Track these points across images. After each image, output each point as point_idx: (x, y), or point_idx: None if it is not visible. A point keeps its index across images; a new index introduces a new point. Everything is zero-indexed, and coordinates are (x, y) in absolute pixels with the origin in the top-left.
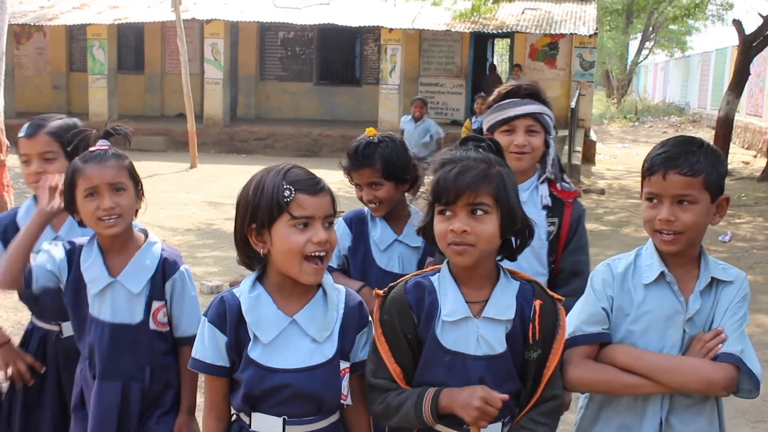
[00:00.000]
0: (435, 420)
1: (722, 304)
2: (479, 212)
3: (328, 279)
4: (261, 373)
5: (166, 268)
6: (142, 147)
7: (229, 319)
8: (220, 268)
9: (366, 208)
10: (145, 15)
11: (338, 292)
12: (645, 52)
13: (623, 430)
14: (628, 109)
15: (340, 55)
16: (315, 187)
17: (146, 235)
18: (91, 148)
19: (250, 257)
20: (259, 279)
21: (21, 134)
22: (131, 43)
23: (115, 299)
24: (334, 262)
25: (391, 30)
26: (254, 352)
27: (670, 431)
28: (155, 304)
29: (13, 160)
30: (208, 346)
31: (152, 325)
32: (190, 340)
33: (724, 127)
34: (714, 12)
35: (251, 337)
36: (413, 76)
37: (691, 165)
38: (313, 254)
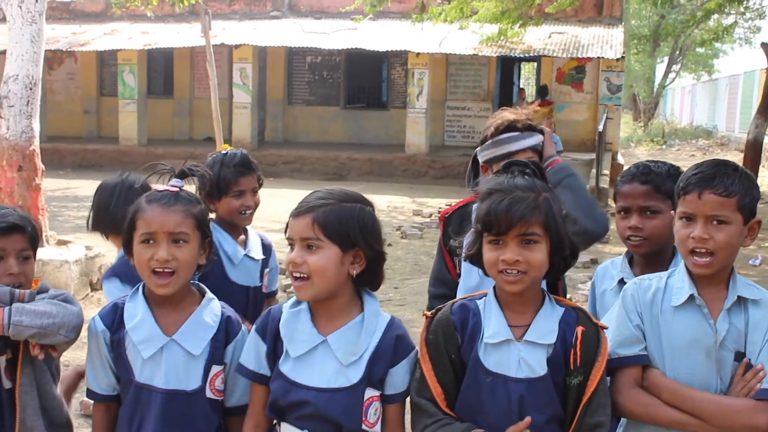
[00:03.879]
0: None
1: (757, 328)
2: (531, 242)
3: (372, 306)
4: (287, 386)
5: (229, 329)
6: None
7: (269, 329)
8: None
9: None
10: (175, 40)
11: (381, 320)
12: (672, 75)
13: None
14: (655, 132)
15: (368, 79)
16: (296, 210)
17: (201, 291)
18: (160, 187)
19: None
20: None
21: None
22: (161, 68)
23: (169, 363)
24: None
25: (418, 54)
26: (285, 366)
27: None
28: (214, 369)
29: (47, 183)
30: (252, 354)
31: (209, 393)
32: (243, 411)
33: (753, 150)
34: (741, 35)
35: (285, 350)
36: (440, 100)
37: (726, 186)
38: (293, 274)
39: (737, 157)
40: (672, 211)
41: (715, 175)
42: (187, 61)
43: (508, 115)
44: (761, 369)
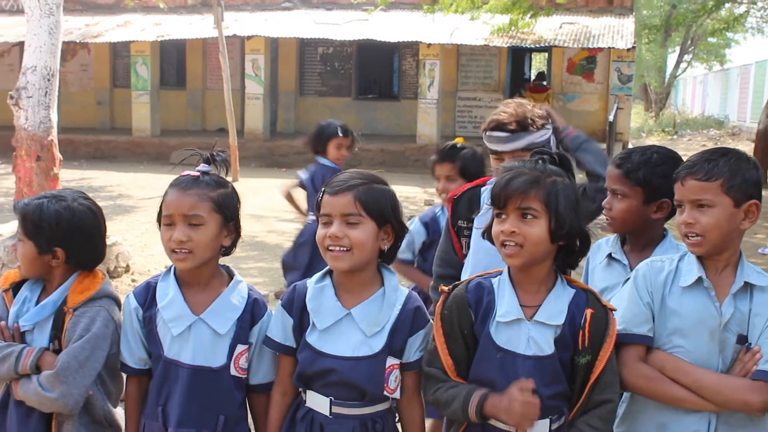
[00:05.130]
0: (481, 421)
1: (759, 313)
2: (529, 216)
3: (392, 280)
4: (313, 356)
5: (255, 310)
6: (184, 161)
7: (296, 304)
8: (265, 278)
9: (437, 207)
10: (187, 32)
11: (399, 293)
12: (683, 65)
13: (663, 427)
14: (666, 123)
15: (379, 70)
16: (335, 187)
17: (230, 274)
18: (185, 172)
19: None
20: (331, 272)
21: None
22: (173, 60)
23: (196, 340)
24: (408, 257)
25: (429, 45)
26: (311, 337)
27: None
28: (239, 348)
29: (62, 174)
30: (279, 327)
31: (233, 371)
32: (267, 389)
33: (764, 139)
34: (754, 24)
35: (311, 323)
36: (451, 91)
37: (706, 171)
38: (329, 247)
39: (748, 147)
40: (646, 199)
41: (697, 162)
42: (200, 53)
43: (500, 114)
44: (758, 351)
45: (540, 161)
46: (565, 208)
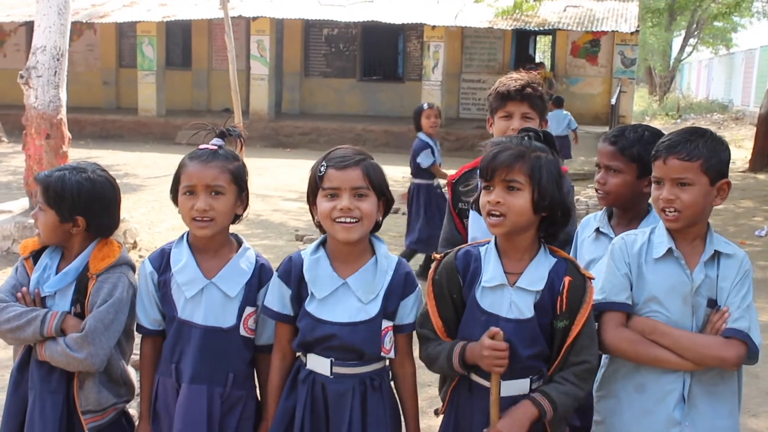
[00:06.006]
0: (465, 371)
1: (726, 277)
2: (513, 188)
3: (382, 249)
4: (313, 323)
5: (262, 275)
6: (189, 141)
7: (293, 275)
8: (269, 255)
9: None
10: (193, 12)
11: (390, 260)
12: (689, 49)
13: (641, 387)
14: (670, 106)
15: (384, 52)
16: (342, 162)
17: (238, 241)
18: (202, 146)
19: (318, 223)
20: (323, 244)
21: None
22: (179, 40)
23: (208, 302)
24: None
25: (433, 27)
26: (310, 306)
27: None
28: (247, 310)
29: (73, 153)
30: (276, 297)
31: (242, 331)
32: (271, 349)
33: (766, 124)
34: (760, 9)
35: (309, 292)
36: (455, 73)
37: (688, 151)
38: (338, 219)
39: (751, 131)
40: (639, 174)
41: (679, 142)
42: (205, 33)
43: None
44: (726, 311)
45: (526, 138)
46: (547, 181)
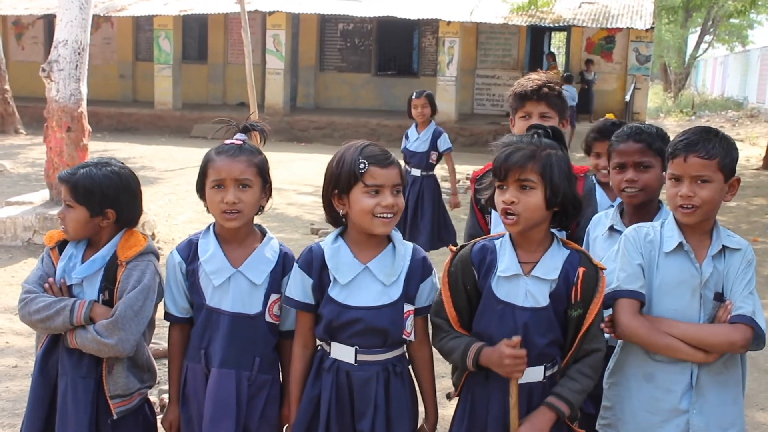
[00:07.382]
0: (477, 370)
1: (731, 269)
2: (527, 187)
3: (398, 236)
4: (338, 309)
5: (285, 263)
6: (205, 135)
7: (314, 265)
8: None
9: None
10: (210, 6)
11: (406, 246)
12: (704, 45)
13: (650, 377)
14: (685, 103)
15: (399, 47)
16: (385, 161)
17: (262, 231)
18: (227, 141)
19: (334, 216)
20: (341, 234)
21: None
22: (195, 34)
23: (235, 290)
24: None
25: (449, 23)
26: (333, 292)
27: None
28: (272, 297)
29: (90, 146)
30: (298, 286)
31: (267, 317)
32: (294, 335)
33: None
34: None
35: (331, 279)
36: (470, 68)
37: (707, 150)
38: (380, 215)
39: (766, 129)
40: (662, 168)
41: (698, 140)
42: (221, 27)
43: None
44: (729, 304)
45: (535, 135)
46: (558, 178)
